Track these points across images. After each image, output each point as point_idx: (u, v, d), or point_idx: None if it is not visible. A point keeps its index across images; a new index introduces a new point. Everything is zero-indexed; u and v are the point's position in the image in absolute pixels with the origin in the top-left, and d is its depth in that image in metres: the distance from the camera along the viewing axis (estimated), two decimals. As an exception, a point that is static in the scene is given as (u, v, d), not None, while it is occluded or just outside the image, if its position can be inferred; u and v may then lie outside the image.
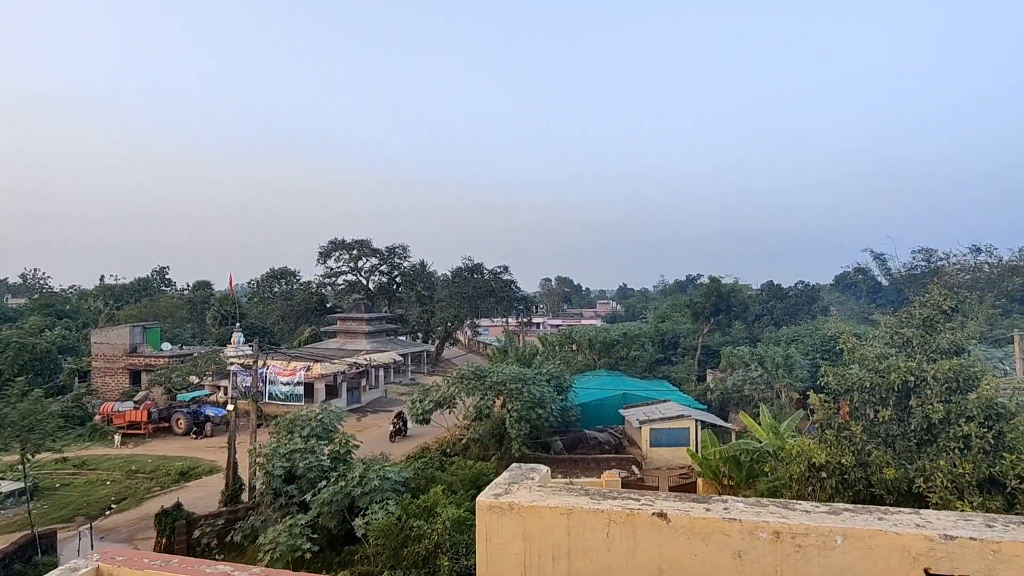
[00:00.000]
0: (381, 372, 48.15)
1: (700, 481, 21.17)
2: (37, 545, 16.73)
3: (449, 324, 66.67)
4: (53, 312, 72.63)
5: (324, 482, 16.86)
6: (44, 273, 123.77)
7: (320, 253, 65.64)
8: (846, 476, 10.68)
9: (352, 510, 16.46)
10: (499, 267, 69.29)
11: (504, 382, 27.65)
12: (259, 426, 25.70)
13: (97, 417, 36.69)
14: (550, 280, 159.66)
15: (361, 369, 44.66)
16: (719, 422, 30.78)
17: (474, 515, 10.69)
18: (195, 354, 39.55)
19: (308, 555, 14.88)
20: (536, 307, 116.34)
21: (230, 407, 24.28)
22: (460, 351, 77.84)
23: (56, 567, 10.16)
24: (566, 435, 31.20)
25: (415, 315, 67.09)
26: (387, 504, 15.17)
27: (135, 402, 37.04)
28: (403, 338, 66.19)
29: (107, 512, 24.51)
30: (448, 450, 28.61)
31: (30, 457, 17.00)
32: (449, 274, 69.53)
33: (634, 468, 27.67)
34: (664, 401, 32.54)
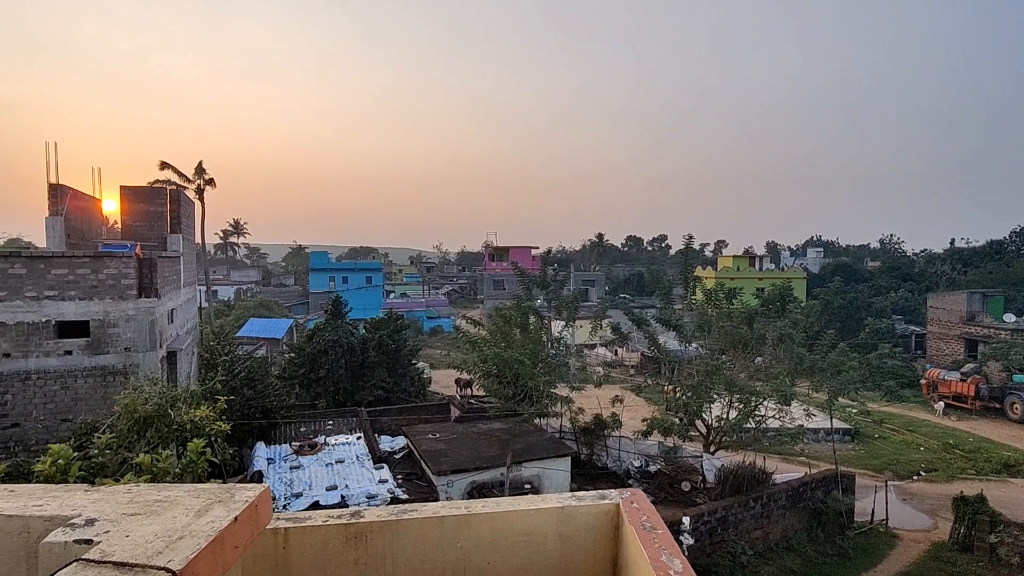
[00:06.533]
0: None
1: None
2: (838, 481, 18.76)
3: None
4: (899, 275, 76.77)
5: None
6: (898, 238, 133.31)
7: None
8: None
9: None
10: None
11: None
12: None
13: (923, 382, 36.57)
14: None
15: None
16: None
17: None
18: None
19: None
20: None
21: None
22: None
23: (850, 505, 12.60)
24: None
25: None
26: None
27: (963, 374, 34.57)
28: None
29: (915, 477, 24.44)
30: None
31: (835, 401, 19.04)
32: None
33: None
34: None
